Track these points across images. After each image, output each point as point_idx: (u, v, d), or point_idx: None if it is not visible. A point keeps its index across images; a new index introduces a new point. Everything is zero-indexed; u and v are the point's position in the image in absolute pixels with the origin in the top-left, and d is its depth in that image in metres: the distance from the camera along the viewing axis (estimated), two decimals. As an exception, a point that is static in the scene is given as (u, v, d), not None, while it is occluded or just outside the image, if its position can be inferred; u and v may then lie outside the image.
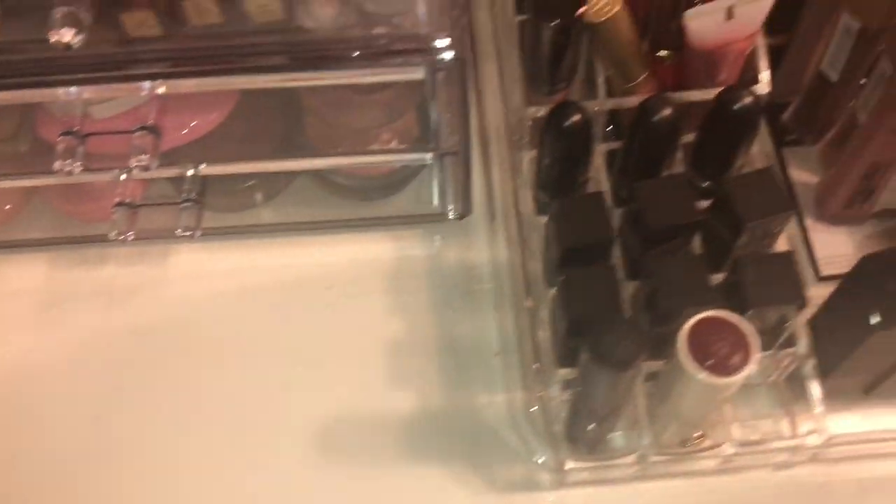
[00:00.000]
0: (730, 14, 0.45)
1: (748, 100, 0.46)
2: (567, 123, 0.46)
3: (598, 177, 0.53)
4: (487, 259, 0.57)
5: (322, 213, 0.59)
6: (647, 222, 0.46)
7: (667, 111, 0.46)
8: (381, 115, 0.50)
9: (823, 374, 0.48)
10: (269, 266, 0.59)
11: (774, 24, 0.56)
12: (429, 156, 0.52)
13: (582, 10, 0.42)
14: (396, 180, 0.58)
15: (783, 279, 0.44)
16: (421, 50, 0.44)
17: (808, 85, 0.57)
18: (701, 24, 0.45)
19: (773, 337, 0.48)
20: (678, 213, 0.46)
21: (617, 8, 0.45)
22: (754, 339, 0.39)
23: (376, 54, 0.44)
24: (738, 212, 0.46)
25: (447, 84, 0.46)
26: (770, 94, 0.55)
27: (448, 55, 0.44)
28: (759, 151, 0.54)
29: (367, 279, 0.58)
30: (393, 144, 0.52)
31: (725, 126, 0.47)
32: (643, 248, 0.47)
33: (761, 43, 0.51)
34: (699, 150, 0.50)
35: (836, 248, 0.56)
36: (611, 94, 0.52)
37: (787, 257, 0.44)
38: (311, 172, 0.57)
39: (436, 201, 0.57)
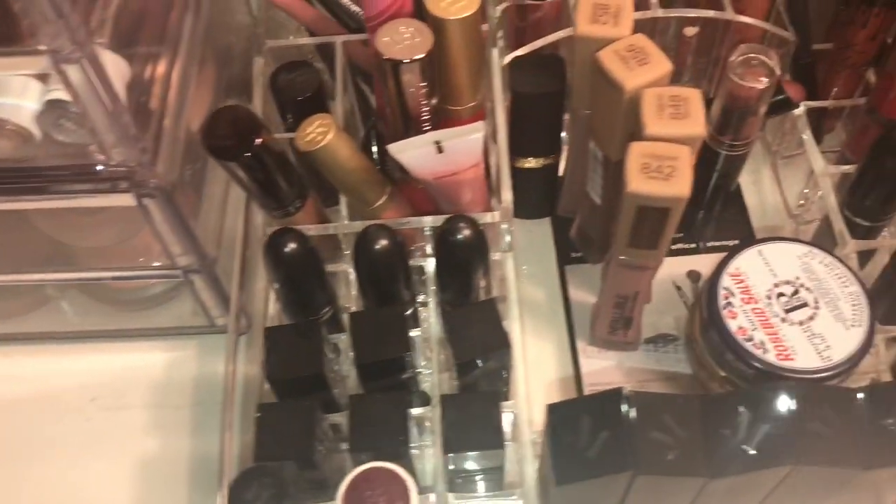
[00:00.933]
0: (440, 148, 0.44)
1: (466, 232, 0.45)
2: (285, 250, 0.45)
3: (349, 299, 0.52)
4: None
5: (93, 322, 0.57)
6: (357, 357, 0.44)
7: (383, 241, 0.45)
8: (111, 234, 0.49)
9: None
10: (36, 374, 0.57)
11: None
12: (178, 272, 0.51)
13: (259, 140, 0.41)
14: (162, 292, 0.56)
15: (484, 422, 0.42)
16: (124, 178, 0.43)
17: (582, 205, 0.56)
18: (411, 158, 0.44)
19: (495, 479, 0.46)
20: (389, 348, 0.44)
21: (330, 136, 0.44)
22: (413, 489, 0.38)
23: (79, 182, 0.43)
24: (453, 348, 0.44)
25: (162, 209, 0.46)
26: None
27: (150, 182, 0.44)
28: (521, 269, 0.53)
29: (134, 391, 0.56)
30: (138, 261, 0.51)
31: (451, 255, 0.46)
32: (362, 383, 0.46)
33: (504, 166, 0.50)
34: (439, 276, 0.49)
35: (604, 375, 0.54)
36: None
37: (492, 397, 0.43)
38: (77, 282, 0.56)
39: (202, 314, 0.56)
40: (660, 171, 0.40)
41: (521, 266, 0.60)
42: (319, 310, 0.49)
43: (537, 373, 0.55)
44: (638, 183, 0.40)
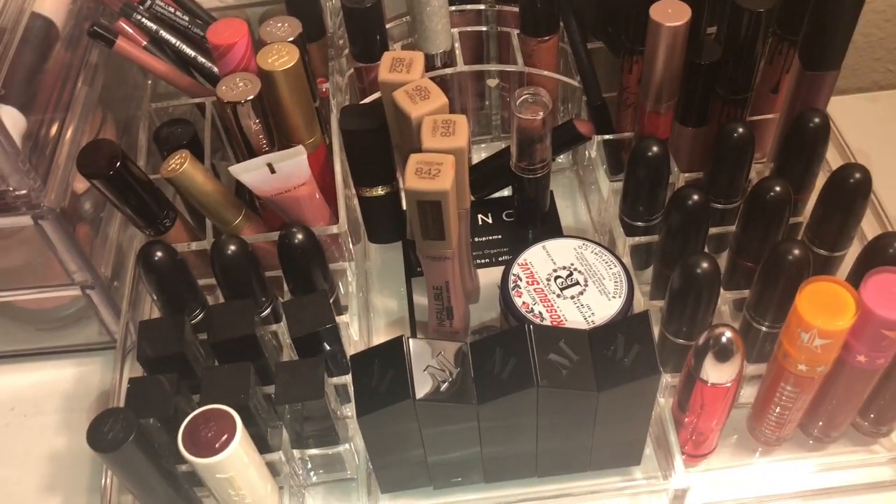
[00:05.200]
0: (272, 169, 0.56)
1: (298, 237, 0.56)
2: (156, 259, 0.57)
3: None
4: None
5: (13, 342, 0.68)
6: (209, 338, 0.55)
7: (233, 247, 0.56)
8: (19, 256, 0.60)
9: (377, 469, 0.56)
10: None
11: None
12: (75, 290, 0.63)
13: (118, 163, 0.53)
14: (71, 313, 0.67)
15: (309, 379, 0.53)
16: (22, 203, 0.55)
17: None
18: (250, 178, 0.56)
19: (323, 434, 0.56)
20: (238, 329, 0.55)
21: (185, 165, 0.56)
22: (238, 422, 0.48)
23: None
24: (288, 326, 0.56)
25: (55, 229, 0.57)
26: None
27: (43, 206, 0.55)
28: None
29: (47, 401, 0.67)
30: (43, 281, 0.62)
31: (288, 256, 0.57)
32: (216, 359, 0.56)
33: (340, 190, 0.62)
34: (284, 275, 0.60)
35: (437, 361, 0.65)
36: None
37: (317, 362, 0.53)
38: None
39: (106, 332, 0.66)
40: (429, 173, 0.52)
41: (374, 281, 0.72)
42: (192, 312, 0.60)
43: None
44: (411, 182, 0.52)
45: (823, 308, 0.47)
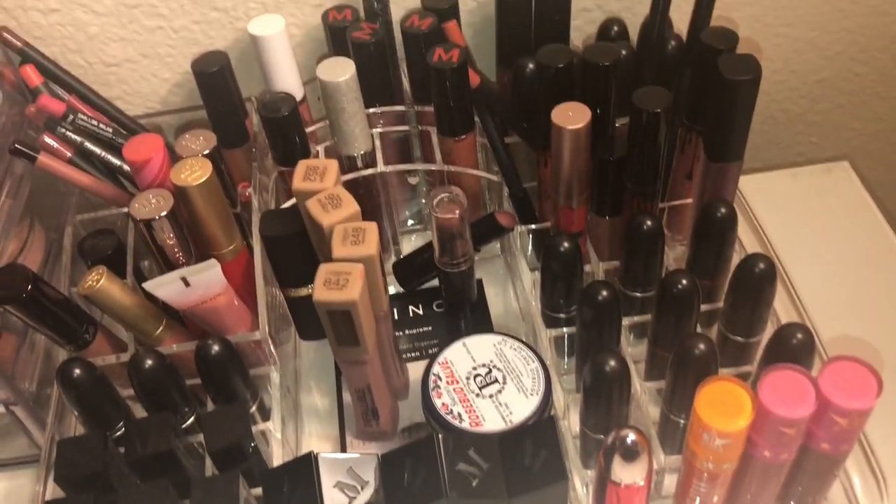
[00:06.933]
0: (186, 282, 0.57)
1: (215, 348, 0.57)
2: (75, 377, 0.57)
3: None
4: None
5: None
6: (127, 456, 0.55)
7: (150, 361, 0.57)
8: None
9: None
10: None
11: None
12: None
13: (29, 288, 0.53)
14: (6, 424, 0.67)
15: (224, 496, 0.52)
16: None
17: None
18: (165, 293, 0.57)
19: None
20: (155, 444, 0.55)
21: (101, 282, 0.57)
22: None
23: None
24: (206, 441, 0.56)
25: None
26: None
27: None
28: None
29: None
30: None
31: (204, 368, 0.58)
32: (139, 478, 0.56)
33: (261, 294, 0.63)
34: (204, 386, 0.60)
35: (365, 461, 0.65)
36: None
37: (233, 478, 0.53)
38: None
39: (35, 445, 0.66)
40: (337, 283, 0.53)
41: (306, 379, 0.72)
42: (115, 425, 0.60)
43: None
44: (320, 293, 0.53)
45: (722, 408, 0.48)
